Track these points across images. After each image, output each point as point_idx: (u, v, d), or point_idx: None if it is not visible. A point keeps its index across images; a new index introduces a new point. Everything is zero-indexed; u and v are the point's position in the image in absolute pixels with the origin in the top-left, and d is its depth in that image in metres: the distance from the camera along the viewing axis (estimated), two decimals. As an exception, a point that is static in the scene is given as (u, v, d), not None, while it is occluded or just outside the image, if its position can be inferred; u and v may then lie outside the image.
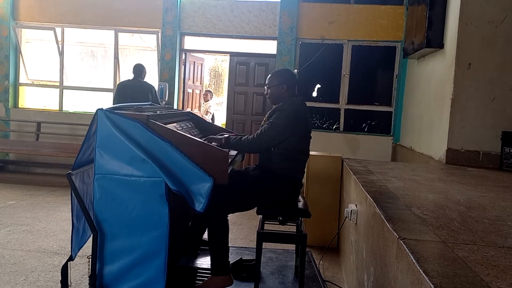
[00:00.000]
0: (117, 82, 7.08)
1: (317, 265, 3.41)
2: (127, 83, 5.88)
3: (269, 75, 2.99)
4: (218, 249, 2.65)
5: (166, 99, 7.06)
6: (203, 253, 3.30)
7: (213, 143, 2.57)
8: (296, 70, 6.94)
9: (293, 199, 2.89)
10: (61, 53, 7.55)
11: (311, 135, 2.93)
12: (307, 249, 2.93)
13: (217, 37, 7.31)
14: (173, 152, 2.26)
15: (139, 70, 5.89)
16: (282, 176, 2.76)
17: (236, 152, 3.08)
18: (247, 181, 2.81)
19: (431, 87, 5.16)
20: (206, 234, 2.78)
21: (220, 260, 2.64)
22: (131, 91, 5.72)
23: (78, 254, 2.57)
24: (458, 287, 1.19)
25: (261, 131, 2.73)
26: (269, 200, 2.78)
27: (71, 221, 2.49)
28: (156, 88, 7.13)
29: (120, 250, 2.31)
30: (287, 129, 2.71)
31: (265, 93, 3.01)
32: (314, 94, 7.29)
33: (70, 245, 2.50)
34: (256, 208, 2.80)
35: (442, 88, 4.66)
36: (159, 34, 7.20)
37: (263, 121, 2.89)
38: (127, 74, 6.93)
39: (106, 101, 7.47)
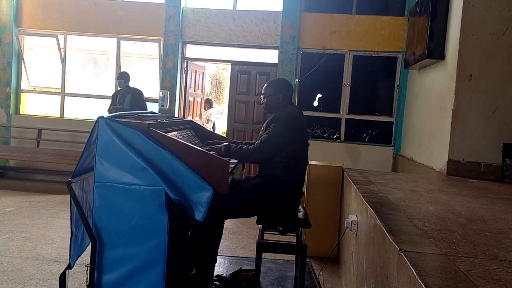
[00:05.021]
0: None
1: (317, 276, 3.39)
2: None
3: (265, 85, 2.99)
4: (207, 254, 2.69)
5: (167, 107, 7.09)
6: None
7: (211, 152, 2.56)
8: (297, 80, 6.96)
9: (293, 207, 2.88)
10: (63, 60, 7.58)
11: (308, 142, 2.95)
12: (307, 260, 2.91)
13: (219, 46, 7.34)
14: (174, 160, 2.25)
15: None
16: (282, 183, 2.76)
17: (237, 161, 3.07)
18: (247, 188, 2.80)
19: (432, 98, 5.16)
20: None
21: (205, 269, 2.68)
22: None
23: (77, 262, 2.55)
24: (460, 301, 1.18)
25: (261, 141, 2.72)
26: (269, 208, 2.77)
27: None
28: (158, 96, 7.20)
29: (119, 258, 2.29)
30: (286, 137, 2.72)
31: (260, 102, 3.01)
32: (315, 103, 7.31)
33: (68, 253, 2.49)
34: (256, 217, 2.79)
35: (443, 99, 4.66)
36: (161, 42, 7.23)
37: (261, 131, 2.89)
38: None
39: (107, 108, 7.47)
